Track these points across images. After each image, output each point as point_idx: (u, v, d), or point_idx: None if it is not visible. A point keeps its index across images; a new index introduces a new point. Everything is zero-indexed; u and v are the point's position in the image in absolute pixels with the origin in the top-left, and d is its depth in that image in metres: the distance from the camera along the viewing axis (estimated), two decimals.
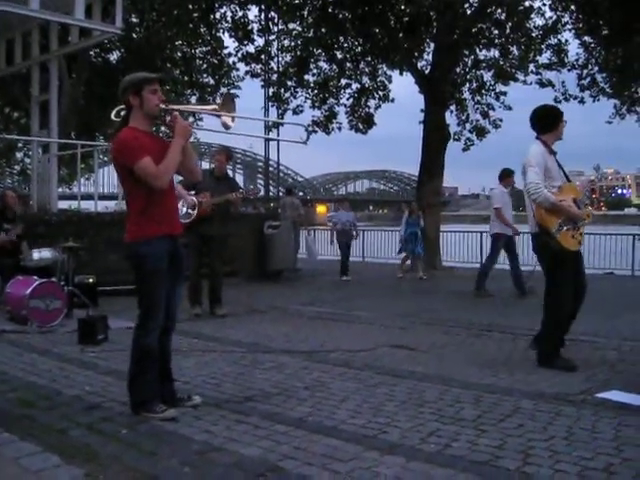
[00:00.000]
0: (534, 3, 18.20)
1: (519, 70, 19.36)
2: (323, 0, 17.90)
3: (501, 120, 20.25)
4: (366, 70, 20.20)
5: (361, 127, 20.49)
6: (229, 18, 19.75)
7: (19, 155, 29.78)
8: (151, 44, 18.97)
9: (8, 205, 9.28)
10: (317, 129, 20.23)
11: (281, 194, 21.81)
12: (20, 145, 26.42)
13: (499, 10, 17.95)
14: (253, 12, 20.79)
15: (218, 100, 5.04)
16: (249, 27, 19.64)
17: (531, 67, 19.22)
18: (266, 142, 15.59)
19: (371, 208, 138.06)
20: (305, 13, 19.00)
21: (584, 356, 6.10)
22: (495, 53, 19.30)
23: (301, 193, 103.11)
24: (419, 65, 19.12)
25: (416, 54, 18.76)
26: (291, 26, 19.64)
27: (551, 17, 18.47)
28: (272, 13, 19.15)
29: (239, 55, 20.14)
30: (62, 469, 3.38)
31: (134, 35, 19.18)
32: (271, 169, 22.57)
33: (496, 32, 18.73)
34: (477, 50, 19.13)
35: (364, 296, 11.77)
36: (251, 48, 19.88)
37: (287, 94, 19.99)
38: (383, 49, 18.63)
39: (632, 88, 19.17)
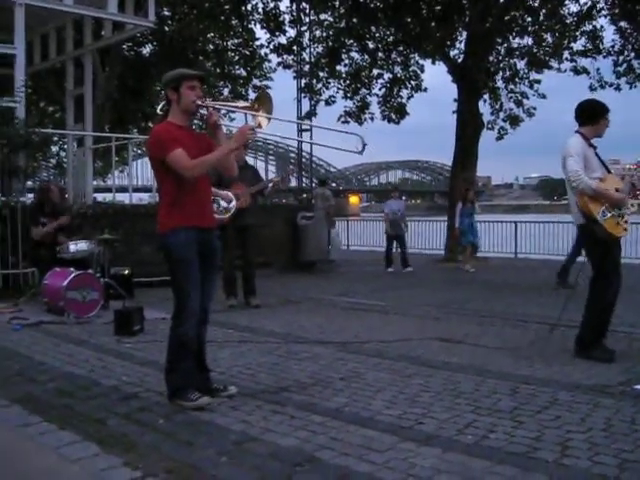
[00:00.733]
0: None
1: (553, 58, 19.11)
2: None
3: (535, 108, 20.11)
4: (398, 60, 20.12)
5: (394, 117, 20.42)
6: (260, 10, 19.82)
7: (54, 149, 30.05)
8: (183, 37, 19.06)
9: (49, 198, 9.23)
10: (349, 120, 20.21)
11: (314, 185, 21.77)
12: (55, 139, 26.67)
13: None
14: (284, 3, 20.95)
15: (250, 93, 5.05)
16: (280, 18, 19.66)
17: (565, 54, 18.94)
18: (299, 134, 15.49)
19: (404, 198, 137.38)
20: (337, 3, 18.99)
21: (622, 347, 6.00)
22: (528, 41, 19.15)
23: (334, 184, 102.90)
24: (452, 54, 19.01)
25: (448, 43, 18.64)
26: (322, 17, 19.65)
27: (586, 3, 18.09)
28: (303, 4, 19.12)
29: (271, 46, 20.22)
30: (101, 458, 3.42)
31: (166, 28, 19.25)
32: (304, 160, 22.53)
33: (529, 19, 18.52)
34: (510, 38, 18.96)
35: (398, 287, 11.72)
36: (283, 39, 19.94)
37: (319, 85, 20.00)
38: (415, 38, 18.53)
39: None
